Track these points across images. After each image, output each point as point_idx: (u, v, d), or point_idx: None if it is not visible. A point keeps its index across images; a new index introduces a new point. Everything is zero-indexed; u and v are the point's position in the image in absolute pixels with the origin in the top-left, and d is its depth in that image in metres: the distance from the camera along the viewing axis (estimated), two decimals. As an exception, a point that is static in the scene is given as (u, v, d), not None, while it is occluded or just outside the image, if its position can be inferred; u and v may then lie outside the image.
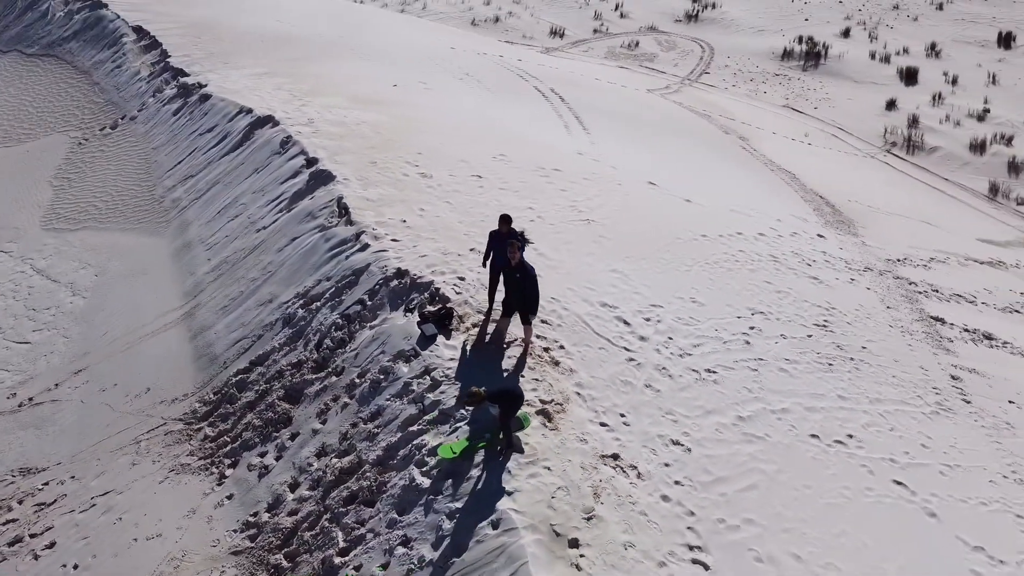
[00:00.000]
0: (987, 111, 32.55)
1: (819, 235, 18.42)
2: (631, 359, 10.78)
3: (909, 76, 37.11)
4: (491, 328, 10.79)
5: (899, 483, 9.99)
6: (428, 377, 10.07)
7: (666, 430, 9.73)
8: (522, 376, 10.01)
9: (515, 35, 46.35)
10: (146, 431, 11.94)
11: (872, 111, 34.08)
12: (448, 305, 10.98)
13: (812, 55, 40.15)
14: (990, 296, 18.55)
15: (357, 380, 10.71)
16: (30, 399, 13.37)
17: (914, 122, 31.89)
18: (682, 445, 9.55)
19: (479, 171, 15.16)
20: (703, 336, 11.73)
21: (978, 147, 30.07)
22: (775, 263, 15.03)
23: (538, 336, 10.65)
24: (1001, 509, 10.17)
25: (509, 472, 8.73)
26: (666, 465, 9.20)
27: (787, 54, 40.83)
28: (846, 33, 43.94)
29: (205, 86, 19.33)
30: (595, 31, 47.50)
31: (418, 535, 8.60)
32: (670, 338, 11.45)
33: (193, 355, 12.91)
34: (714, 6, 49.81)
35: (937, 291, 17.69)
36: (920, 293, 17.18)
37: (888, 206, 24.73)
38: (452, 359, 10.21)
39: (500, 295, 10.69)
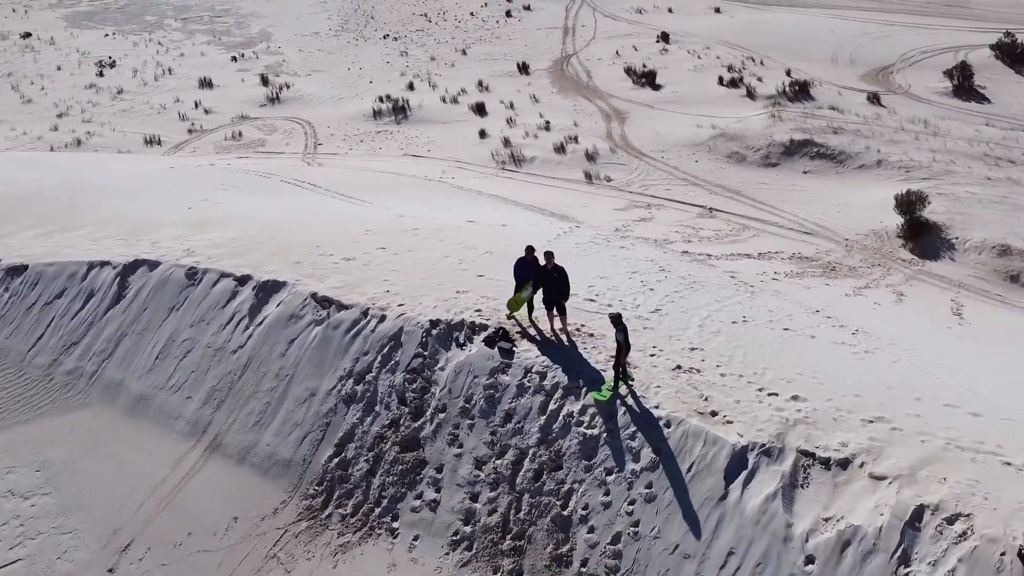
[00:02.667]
0: (548, 122, 41.93)
1: (576, 226, 24.55)
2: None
3: (480, 109, 45.21)
4: (531, 330, 14.38)
5: (786, 329, 16.24)
6: (532, 373, 13.38)
7: (681, 345, 14.52)
8: (584, 347, 13.92)
9: (109, 152, 44.94)
10: (272, 545, 12.82)
11: (471, 142, 40.86)
12: (498, 326, 14.23)
13: (399, 110, 46.01)
14: (672, 236, 26.57)
15: (467, 405, 13.40)
16: (89, 596, 12.78)
17: (507, 142, 39.54)
18: (697, 348, 14.47)
19: (379, 245, 17.91)
20: (631, 293, 16.72)
21: (560, 149, 38.80)
22: (597, 245, 20.60)
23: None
24: (827, 327, 17.03)
25: (644, 398, 12.76)
26: (703, 361, 14.03)
27: (377, 113, 46.25)
28: (411, 87, 51.12)
29: (-2, 260, 18.02)
30: (190, 131, 48.00)
31: (616, 462, 12.16)
32: (620, 300, 16.21)
33: (258, 472, 13.76)
34: (288, 86, 53.70)
35: (656, 239, 25.09)
36: (656, 241, 24.35)
37: (555, 203, 31.74)
38: (536, 356, 13.64)
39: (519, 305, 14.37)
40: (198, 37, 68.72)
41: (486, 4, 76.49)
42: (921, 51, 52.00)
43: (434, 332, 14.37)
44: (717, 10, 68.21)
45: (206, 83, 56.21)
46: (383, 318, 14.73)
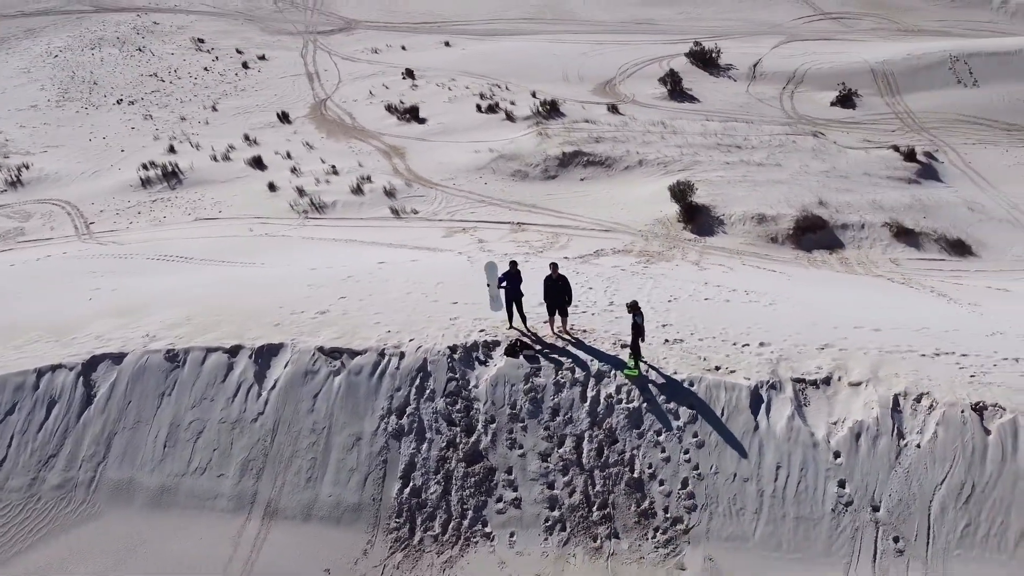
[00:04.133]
0: (334, 167, 42.65)
1: (459, 252, 26.50)
2: (594, 314, 17.74)
3: (258, 163, 44.24)
4: (524, 329, 16.30)
5: (707, 298, 19.71)
6: (563, 370, 15.34)
7: (653, 324, 17.25)
8: (587, 341, 16.15)
9: None
10: (377, 583, 13.50)
11: (263, 196, 40.07)
12: (514, 338, 15.96)
13: (169, 175, 43.59)
14: (526, 251, 29.51)
15: (513, 411, 15.01)
16: None
17: (302, 191, 39.77)
18: (668, 325, 17.32)
19: (338, 295, 18.58)
20: (579, 294, 19.18)
21: (358, 190, 39.91)
22: (503, 263, 22.75)
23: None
24: (726, 292, 20.80)
25: (661, 368, 15.32)
26: (678, 332, 16.91)
27: (146, 182, 43.46)
28: (172, 150, 48.44)
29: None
30: (-89, 224, 41.95)
31: (663, 423, 14.59)
32: (579, 301, 18.61)
33: (330, 523, 14.19)
34: (27, 167, 48.70)
35: (521, 252, 27.82)
36: (527, 254, 27.07)
37: (411, 238, 32.99)
38: (557, 355, 15.61)
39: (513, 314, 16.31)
40: None
41: (217, 58, 74.46)
42: (633, 64, 59.87)
43: (456, 356, 15.74)
44: (447, 44, 72.27)
45: (-79, 176, 48.84)
46: (403, 355, 15.77)
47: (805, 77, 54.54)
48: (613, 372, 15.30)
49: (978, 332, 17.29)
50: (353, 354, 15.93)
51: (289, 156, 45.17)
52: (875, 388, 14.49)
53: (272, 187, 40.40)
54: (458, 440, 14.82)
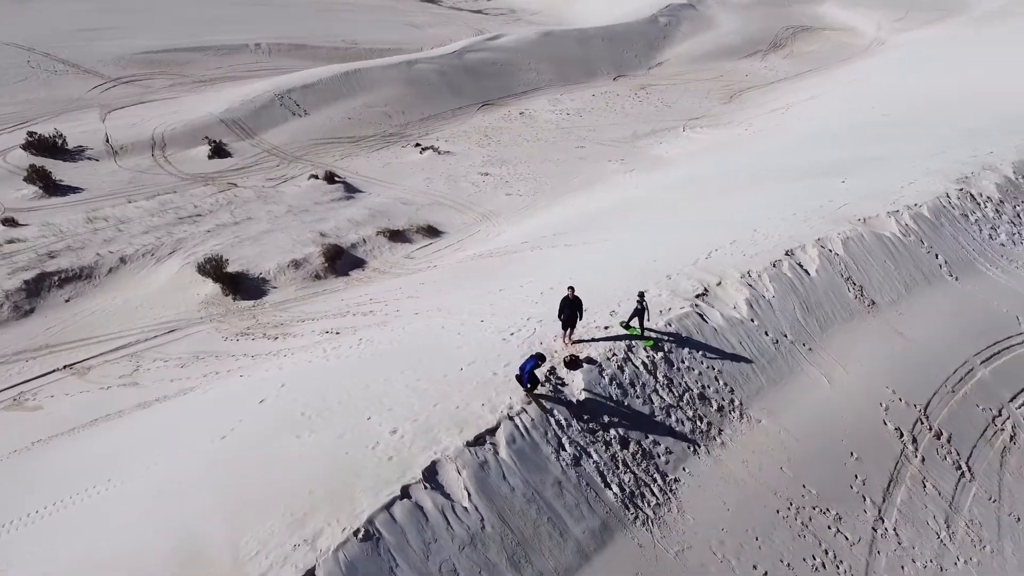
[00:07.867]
0: None
1: (334, 354, 25.29)
2: (606, 328, 22.09)
3: None
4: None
5: (542, 293, 25.50)
6: (611, 359, 20.04)
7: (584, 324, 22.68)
8: (593, 338, 20.98)
9: None
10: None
11: None
12: (566, 357, 19.68)
13: None
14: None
15: (612, 401, 19.23)
16: None
17: None
18: (616, 311, 22.94)
19: (364, 415, 18.31)
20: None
21: None
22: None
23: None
24: (533, 290, 26.84)
25: (649, 331, 21.41)
26: (599, 308, 22.78)
27: None
28: None
29: None
30: None
31: (681, 356, 20.96)
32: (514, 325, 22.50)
33: (603, 548, 16.55)
34: None
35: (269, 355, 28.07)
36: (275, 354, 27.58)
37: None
38: (597, 353, 20.14)
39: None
40: None
41: None
42: (-47, 169, 49.71)
43: (551, 390, 18.81)
44: None
45: None
46: (523, 410, 18.06)
47: (165, 140, 53.07)
48: (634, 343, 20.72)
49: (684, 245, 27.67)
50: (492, 431, 17.43)
51: None
52: (729, 281, 23.56)
53: None
54: (607, 438, 18.44)
